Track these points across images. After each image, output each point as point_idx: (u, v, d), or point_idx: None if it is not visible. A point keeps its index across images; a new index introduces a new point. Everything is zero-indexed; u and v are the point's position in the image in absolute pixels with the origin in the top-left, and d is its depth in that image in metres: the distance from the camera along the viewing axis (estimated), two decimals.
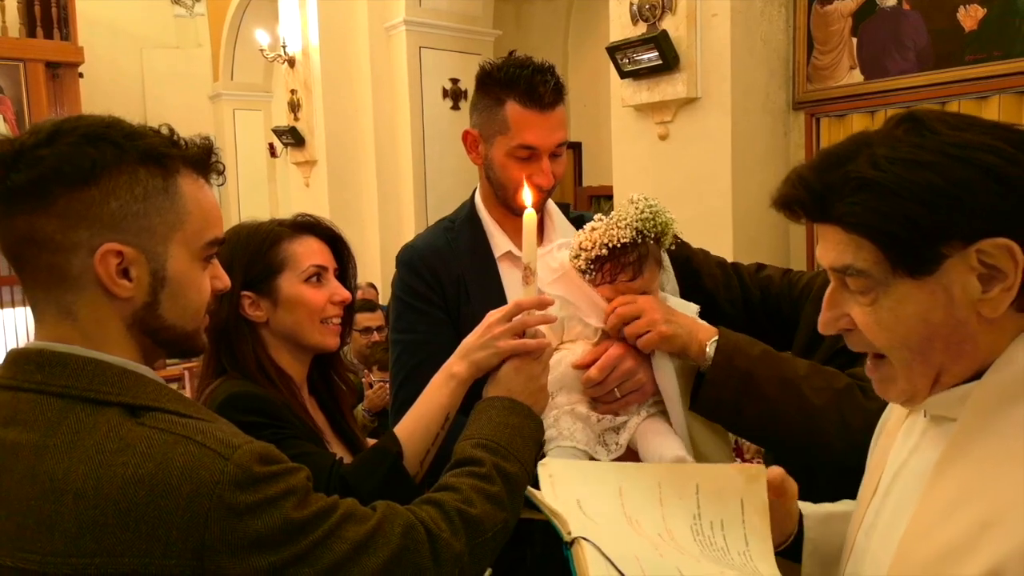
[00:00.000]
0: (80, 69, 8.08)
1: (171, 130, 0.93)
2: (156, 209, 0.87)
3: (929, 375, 0.81)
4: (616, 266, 1.30)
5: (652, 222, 1.29)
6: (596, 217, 1.34)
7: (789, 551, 1.04)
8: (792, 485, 1.03)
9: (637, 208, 1.30)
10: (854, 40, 4.14)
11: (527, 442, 1.11)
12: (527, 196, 1.17)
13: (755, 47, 4.21)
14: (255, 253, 1.37)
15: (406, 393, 1.45)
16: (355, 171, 6.68)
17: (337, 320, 1.40)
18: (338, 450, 1.41)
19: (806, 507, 1.07)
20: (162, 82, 9.25)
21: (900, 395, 0.85)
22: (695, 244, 4.58)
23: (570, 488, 1.00)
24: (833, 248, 0.81)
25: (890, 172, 0.75)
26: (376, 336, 3.97)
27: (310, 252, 1.39)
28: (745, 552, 0.91)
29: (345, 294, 1.41)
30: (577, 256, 1.33)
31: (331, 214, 6.54)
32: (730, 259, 4.43)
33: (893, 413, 0.98)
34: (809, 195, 0.82)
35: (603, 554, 0.84)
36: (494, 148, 1.47)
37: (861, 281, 0.80)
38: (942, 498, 0.79)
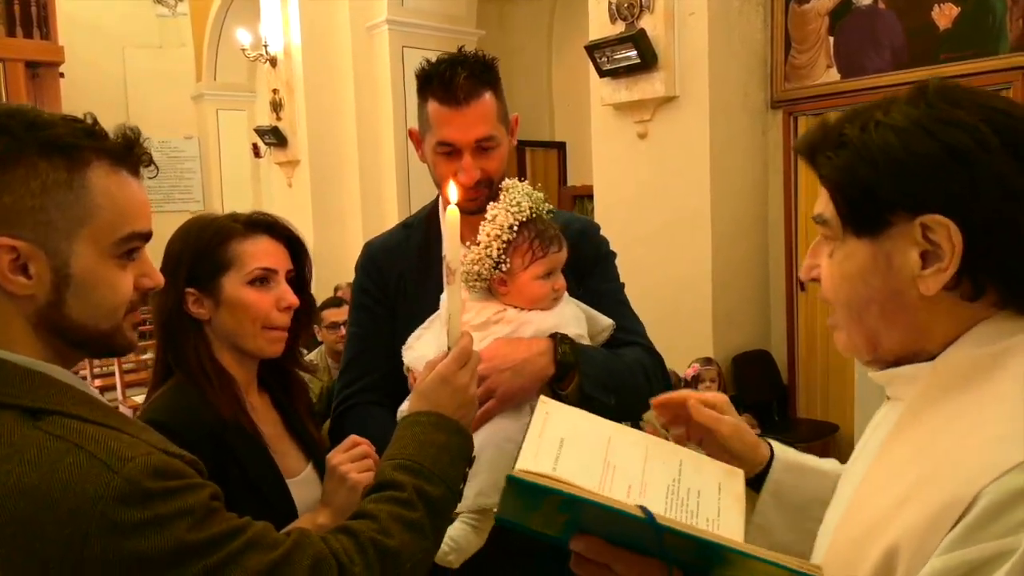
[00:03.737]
0: (61, 69, 8.04)
1: (94, 120, 0.87)
2: (56, 204, 0.82)
3: (865, 335, 0.83)
4: (544, 239, 1.34)
5: (535, 197, 1.36)
6: (489, 207, 1.37)
7: (754, 483, 1.05)
8: (718, 399, 1.07)
9: (518, 190, 1.35)
10: (831, 39, 4.17)
11: (455, 460, 1.05)
12: (452, 192, 1.13)
13: (733, 46, 4.22)
14: (202, 249, 1.31)
15: (343, 381, 1.54)
16: (338, 171, 6.66)
17: (282, 326, 1.34)
18: (289, 450, 1.38)
19: (782, 449, 1.08)
20: (144, 82, 9.20)
21: (844, 347, 0.88)
22: (674, 242, 4.58)
23: (561, 428, 0.99)
24: (820, 197, 0.85)
25: (869, 135, 0.78)
26: (343, 331, 3.98)
27: (259, 253, 1.33)
28: (715, 522, 0.92)
29: (292, 299, 1.34)
30: (486, 253, 1.34)
31: (314, 214, 6.52)
32: (708, 257, 4.43)
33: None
34: (808, 143, 0.85)
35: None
36: (426, 146, 1.48)
37: (825, 230, 0.84)
38: (879, 476, 0.81)
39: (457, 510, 1.28)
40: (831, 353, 4.34)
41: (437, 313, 1.40)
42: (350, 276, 5.88)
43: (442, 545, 1.30)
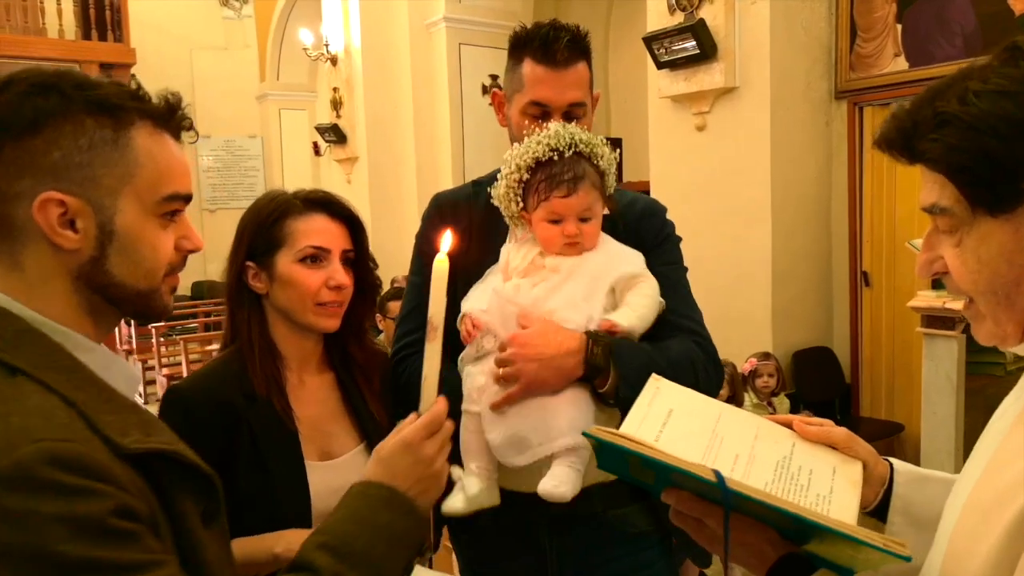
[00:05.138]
0: (132, 70, 8.36)
1: (138, 85, 0.89)
2: (102, 160, 0.83)
3: (1017, 320, 0.78)
4: (550, 182, 1.32)
5: (567, 139, 1.32)
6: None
7: (877, 512, 1.00)
8: (821, 420, 1.01)
9: (552, 129, 1.34)
10: (898, 26, 4.04)
11: (397, 544, 0.94)
12: (445, 240, 1.06)
13: (795, 35, 4.13)
14: (261, 224, 1.35)
15: (403, 329, 1.53)
16: (395, 167, 6.76)
17: (335, 304, 1.36)
18: (338, 431, 1.40)
19: (899, 464, 1.02)
20: (210, 83, 9.49)
21: (989, 337, 0.82)
22: (732, 235, 4.51)
23: (670, 401, 0.98)
24: (924, 187, 0.80)
25: (973, 106, 0.72)
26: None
27: (312, 231, 1.35)
28: (826, 498, 0.88)
29: (341, 279, 1.35)
30: (505, 183, 1.35)
31: (372, 210, 6.63)
32: (768, 251, 4.34)
33: None
34: (899, 132, 0.80)
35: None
36: (512, 106, 1.49)
37: (946, 220, 0.78)
38: (1016, 443, 0.76)
39: (550, 454, 1.27)
40: (896, 350, 4.21)
41: (494, 266, 1.41)
42: (406, 269, 5.93)
43: (550, 482, 1.26)
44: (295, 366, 1.39)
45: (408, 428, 0.99)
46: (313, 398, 1.39)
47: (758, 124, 4.09)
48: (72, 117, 0.82)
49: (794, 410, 4.06)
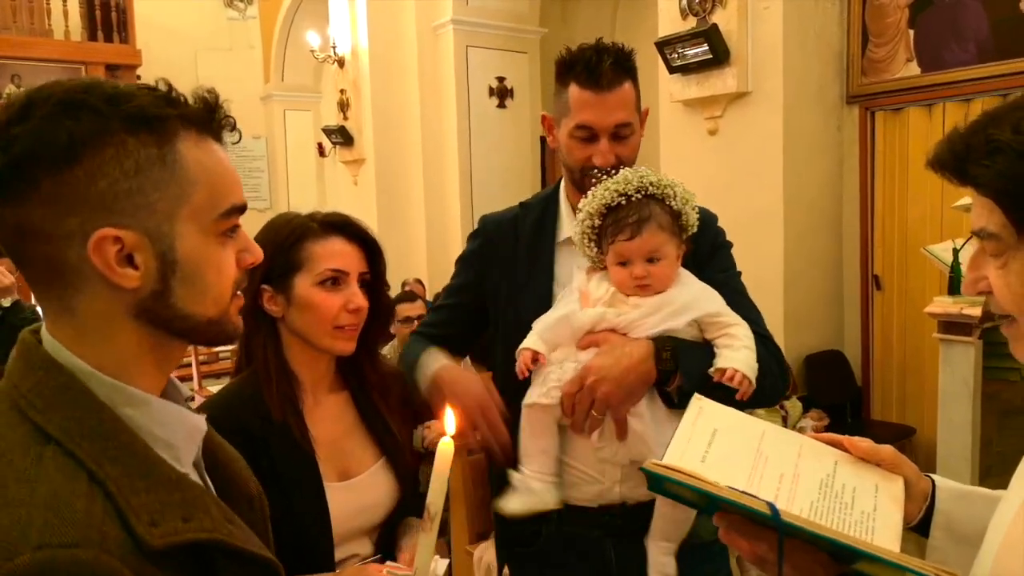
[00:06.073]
0: (138, 71, 8.36)
1: (168, 85, 0.79)
2: (153, 183, 0.73)
3: None
4: (616, 226, 1.35)
5: (636, 183, 1.35)
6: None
7: (919, 527, 1.01)
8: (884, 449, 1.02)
9: (622, 175, 1.37)
10: (911, 32, 4.05)
11: None
12: (449, 421, 1.01)
13: (808, 40, 4.14)
14: (279, 247, 1.33)
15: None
16: (402, 169, 6.76)
17: (352, 327, 1.35)
18: (355, 449, 1.40)
19: (941, 480, 1.03)
20: (215, 83, 9.10)
21: None
22: (744, 240, 4.50)
23: (714, 421, 1.00)
24: (974, 210, 0.83)
25: None
26: (416, 325, 4.00)
27: (330, 254, 1.34)
28: (870, 516, 0.90)
29: (360, 302, 1.34)
30: (580, 228, 1.39)
31: (378, 212, 6.63)
32: (780, 255, 4.34)
33: None
34: (951, 155, 0.82)
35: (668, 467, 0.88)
36: (561, 130, 1.50)
37: (993, 244, 0.81)
38: None
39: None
40: (908, 353, 4.23)
41: (567, 289, 1.44)
42: (415, 272, 5.96)
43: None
44: (309, 387, 1.38)
45: None
46: (329, 417, 1.39)
47: (770, 129, 4.10)
48: (112, 138, 0.72)
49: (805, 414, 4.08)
